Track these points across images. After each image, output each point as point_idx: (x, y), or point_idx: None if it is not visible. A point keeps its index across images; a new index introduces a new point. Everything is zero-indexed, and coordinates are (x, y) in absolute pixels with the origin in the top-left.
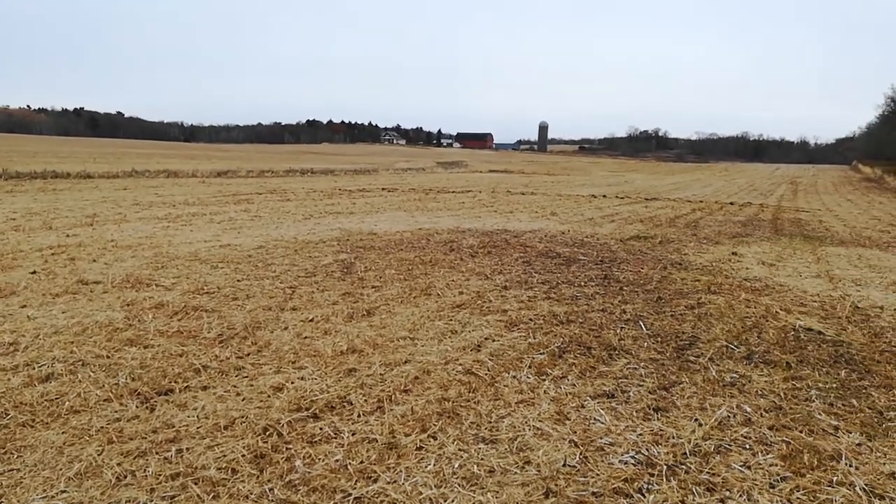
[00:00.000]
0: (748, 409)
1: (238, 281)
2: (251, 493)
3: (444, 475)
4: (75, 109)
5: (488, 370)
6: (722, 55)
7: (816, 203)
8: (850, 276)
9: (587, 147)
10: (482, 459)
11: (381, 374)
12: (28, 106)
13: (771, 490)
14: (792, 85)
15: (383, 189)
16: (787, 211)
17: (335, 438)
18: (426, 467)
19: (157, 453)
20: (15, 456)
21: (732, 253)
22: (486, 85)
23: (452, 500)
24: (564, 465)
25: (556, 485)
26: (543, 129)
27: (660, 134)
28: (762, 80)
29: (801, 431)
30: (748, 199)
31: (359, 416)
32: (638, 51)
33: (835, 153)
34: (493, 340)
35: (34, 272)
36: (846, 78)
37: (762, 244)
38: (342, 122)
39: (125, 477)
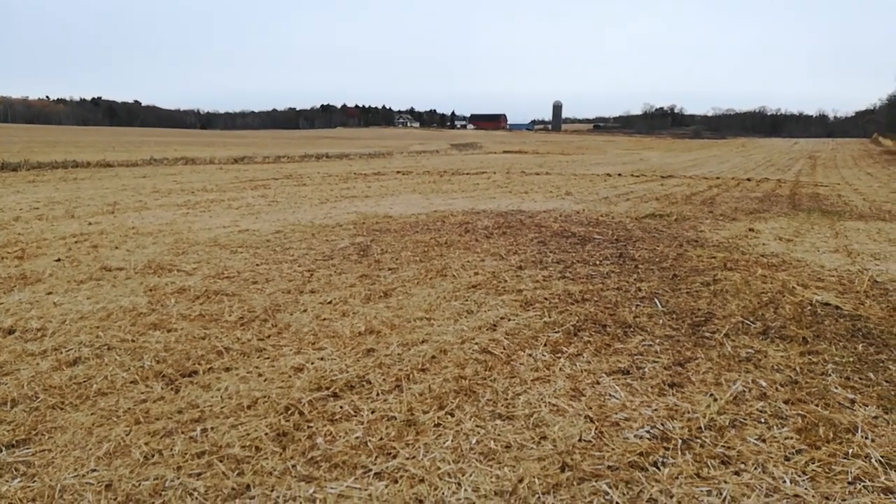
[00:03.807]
0: (763, 384)
1: (257, 265)
2: (275, 470)
3: (461, 451)
4: (93, 99)
5: (504, 349)
6: (738, 30)
7: (835, 177)
8: (869, 251)
9: (602, 125)
10: (499, 435)
11: (398, 354)
12: (47, 97)
13: (786, 462)
14: (810, 58)
15: (398, 172)
16: (806, 186)
17: (355, 416)
18: (444, 443)
19: (182, 433)
20: (46, 437)
21: (749, 229)
22: (500, 65)
23: (470, 475)
24: (580, 440)
25: (571, 459)
26: (557, 108)
27: (676, 111)
28: (779, 54)
29: (816, 405)
30: (766, 174)
31: (378, 394)
32: (653, 28)
33: (855, 126)
34: (509, 320)
35: (58, 260)
36: (865, 49)
37: (779, 220)
38: (356, 106)
39: (153, 456)
